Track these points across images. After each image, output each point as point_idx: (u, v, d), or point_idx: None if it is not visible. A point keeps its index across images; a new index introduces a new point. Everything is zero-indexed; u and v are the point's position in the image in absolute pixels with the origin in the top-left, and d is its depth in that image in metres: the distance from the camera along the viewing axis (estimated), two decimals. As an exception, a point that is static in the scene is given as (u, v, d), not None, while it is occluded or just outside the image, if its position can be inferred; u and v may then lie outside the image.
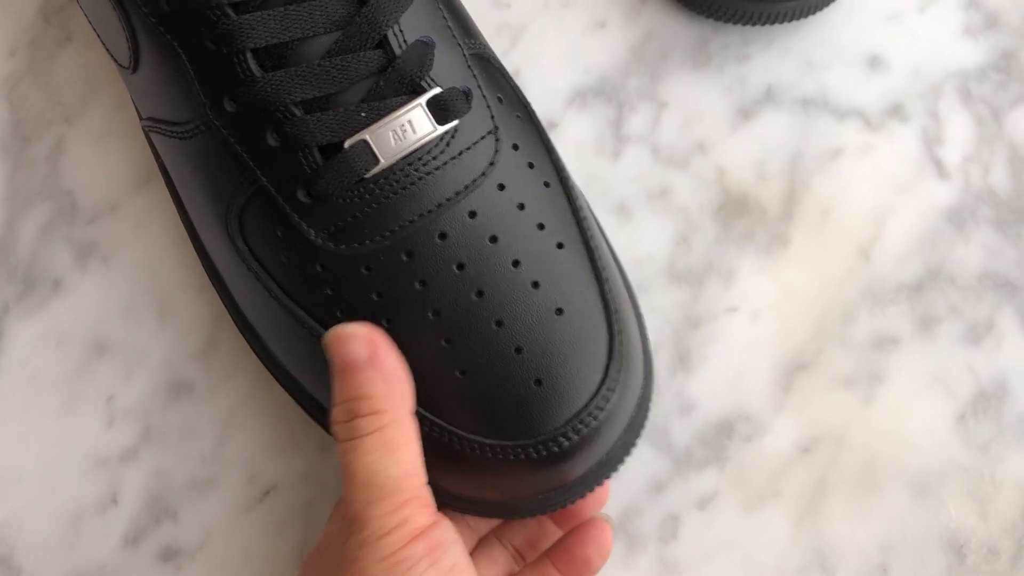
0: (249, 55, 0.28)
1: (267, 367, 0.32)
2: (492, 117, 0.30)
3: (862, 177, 0.36)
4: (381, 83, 0.28)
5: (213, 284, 0.33)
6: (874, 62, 0.38)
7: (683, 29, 0.38)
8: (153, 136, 0.32)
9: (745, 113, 0.37)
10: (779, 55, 0.38)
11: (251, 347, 0.32)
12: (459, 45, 0.30)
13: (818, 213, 0.36)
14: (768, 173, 0.36)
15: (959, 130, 0.37)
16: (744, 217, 0.36)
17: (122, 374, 0.35)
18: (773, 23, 0.37)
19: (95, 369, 0.35)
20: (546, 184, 0.30)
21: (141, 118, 0.32)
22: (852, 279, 0.35)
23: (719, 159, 0.37)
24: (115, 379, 0.35)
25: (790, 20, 0.37)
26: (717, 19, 0.37)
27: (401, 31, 0.28)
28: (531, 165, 0.30)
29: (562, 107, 0.37)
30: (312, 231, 0.28)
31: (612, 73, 0.38)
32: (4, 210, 0.36)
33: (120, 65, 0.31)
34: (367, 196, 0.28)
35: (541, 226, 0.29)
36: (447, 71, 0.29)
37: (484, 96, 0.30)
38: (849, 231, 0.36)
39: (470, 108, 0.29)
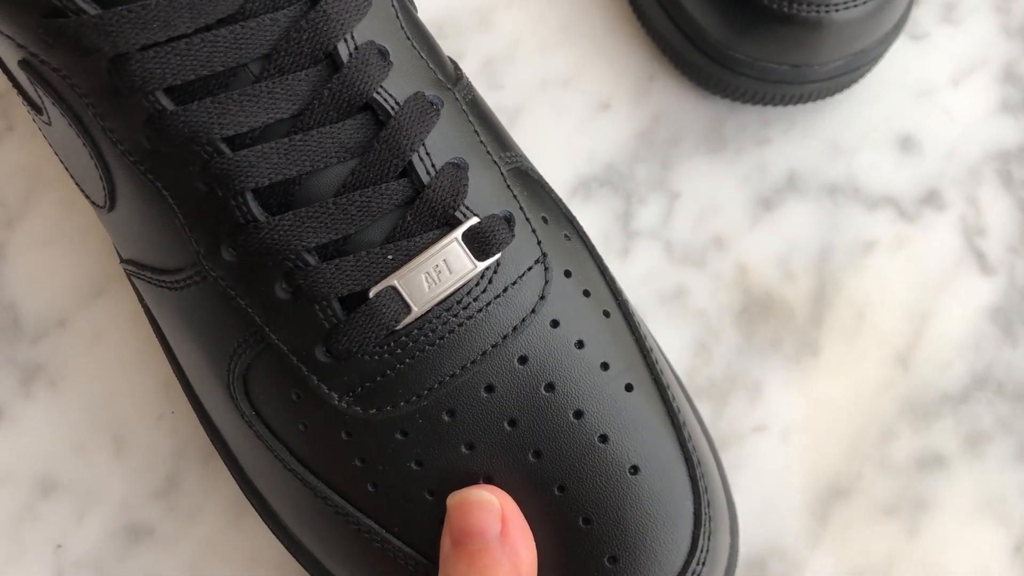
0: (250, 196, 0.23)
1: (282, 542, 0.27)
2: (539, 243, 0.25)
3: (897, 274, 0.33)
4: (408, 218, 0.24)
5: (212, 440, 0.28)
6: (906, 143, 0.34)
7: (695, 110, 0.34)
8: (135, 281, 0.27)
9: (766, 203, 0.33)
10: (802, 137, 0.34)
11: (261, 517, 0.28)
12: (495, 162, 0.26)
13: (851, 316, 0.32)
14: (794, 271, 0.33)
15: (1001, 218, 0.34)
16: (769, 321, 0.32)
17: (72, 517, 0.30)
18: (795, 103, 0.33)
19: (42, 511, 0.31)
20: (605, 314, 0.26)
21: (120, 259, 0.28)
22: (890, 390, 0.32)
23: (739, 256, 0.33)
24: (65, 523, 0.30)
25: (813, 100, 0.33)
26: (733, 99, 0.34)
27: (428, 154, 0.24)
28: (587, 293, 0.26)
29: (564, 199, 0.33)
30: (335, 395, 0.24)
31: (619, 160, 0.34)
32: (-63, 329, 0.32)
33: (93, 203, 0.27)
34: (399, 351, 0.24)
35: (605, 366, 0.25)
36: (484, 195, 0.25)
37: (528, 219, 0.26)
38: (885, 336, 0.32)
39: (513, 236, 0.25)
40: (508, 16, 0.35)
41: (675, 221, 0.33)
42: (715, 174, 0.34)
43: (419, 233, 0.24)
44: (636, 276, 0.33)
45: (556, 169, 0.34)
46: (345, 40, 0.23)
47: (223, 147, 0.23)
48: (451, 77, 0.27)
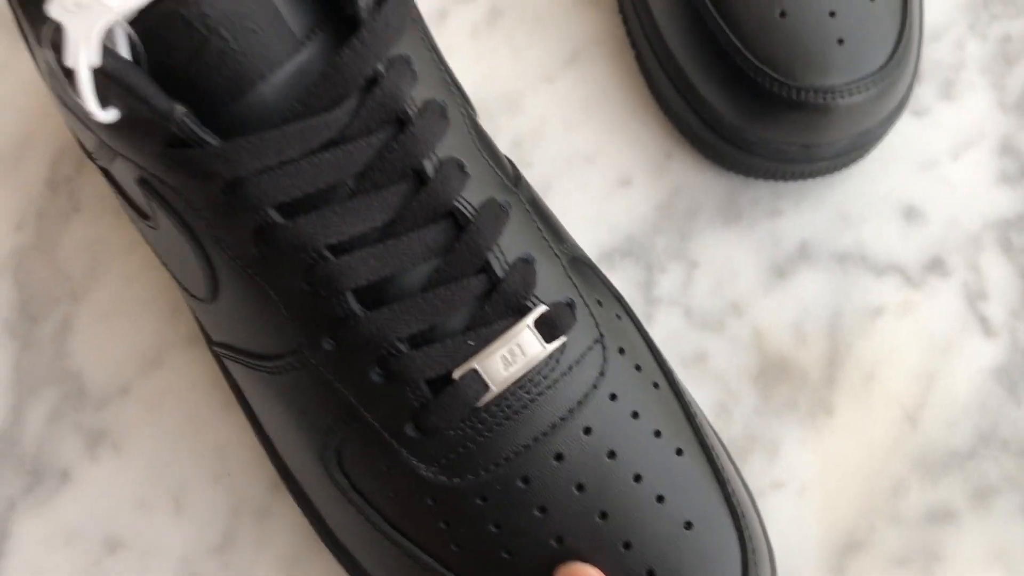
0: (349, 294, 0.26)
1: None
2: (596, 324, 0.28)
3: (905, 337, 0.35)
4: (487, 308, 0.27)
5: (297, 502, 0.31)
6: (910, 214, 0.36)
7: (711, 184, 0.37)
8: (229, 363, 0.30)
9: (780, 271, 0.36)
10: (812, 209, 0.36)
11: (348, 573, 0.31)
12: (556, 255, 0.29)
13: (861, 377, 0.34)
14: (807, 335, 0.35)
15: (1002, 283, 0.36)
16: (785, 383, 0.34)
17: (136, 572, 0.33)
18: (805, 179, 0.36)
19: (108, 567, 0.33)
20: (655, 385, 0.29)
21: (212, 341, 0.31)
22: (900, 448, 0.34)
23: (755, 321, 0.35)
24: (128, 578, 0.33)
25: (822, 175, 0.36)
26: (747, 176, 0.36)
27: (502, 252, 0.27)
28: (638, 368, 0.29)
29: (590, 269, 0.36)
30: (422, 465, 0.27)
31: (640, 232, 0.36)
32: (10, 396, 0.34)
33: (192, 295, 0.30)
34: (479, 425, 0.26)
35: (657, 433, 0.28)
36: (549, 285, 0.28)
37: (586, 303, 0.29)
38: (895, 396, 0.34)
39: (576, 320, 0.28)
40: (535, 100, 0.38)
41: (694, 289, 0.36)
42: (731, 244, 0.36)
43: (496, 321, 0.27)
44: (658, 341, 0.35)
45: (581, 240, 0.36)
46: (430, 157, 0.26)
47: (326, 253, 0.26)
48: (512, 179, 0.30)
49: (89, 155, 0.30)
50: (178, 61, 0.24)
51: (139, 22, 0.24)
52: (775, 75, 0.32)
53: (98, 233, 0.36)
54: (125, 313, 0.35)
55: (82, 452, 0.34)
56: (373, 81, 0.25)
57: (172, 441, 0.34)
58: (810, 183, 0.36)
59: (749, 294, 0.35)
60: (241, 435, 0.34)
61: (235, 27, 0.24)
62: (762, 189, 0.37)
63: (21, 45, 0.38)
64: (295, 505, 0.32)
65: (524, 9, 0.39)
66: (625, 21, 0.38)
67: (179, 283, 0.30)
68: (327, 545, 0.31)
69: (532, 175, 0.37)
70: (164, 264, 0.31)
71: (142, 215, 0.28)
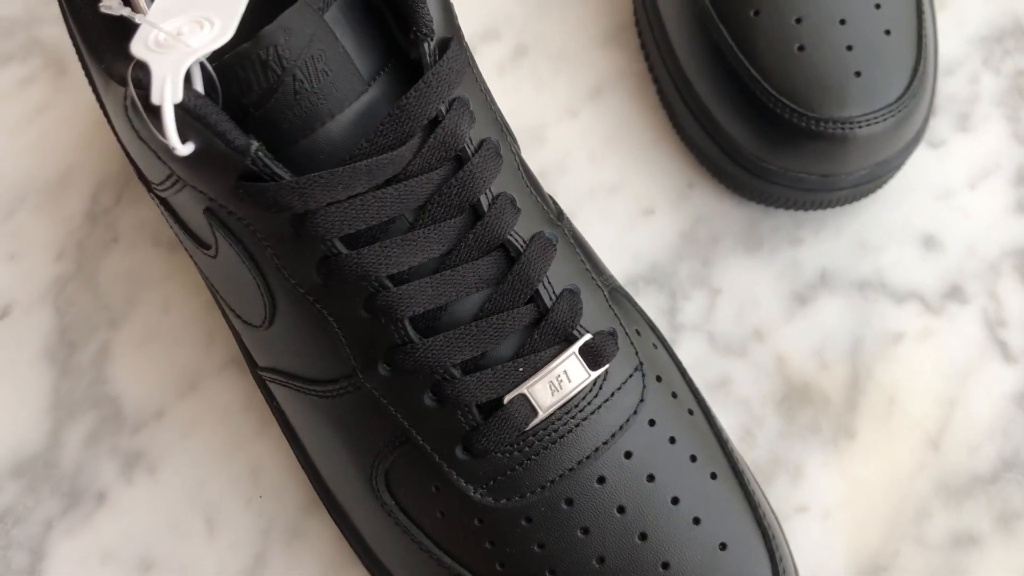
0: (407, 322, 0.27)
1: None
2: (636, 353, 0.30)
3: (926, 362, 0.35)
4: (535, 336, 0.28)
5: (336, 523, 0.32)
6: (929, 242, 0.37)
7: (733, 213, 0.38)
8: (275, 387, 0.31)
9: (801, 298, 0.36)
10: (832, 238, 0.37)
11: None
12: (598, 286, 0.30)
13: (883, 402, 0.35)
14: (829, 360, 0.36)
15: (1020, 311, 0.36)
16: (808, 408, 0.35)
17: (169, 593, 0.33)
18: (825, 208, 0.37)
19: (141, 588, 0.33)
20: (690, 412, 0.30)
21: (257, 366, 0.32)
22: (923, 472, 0.34)
23: (778, 347, 0.36)
24: (162, 599, 0.33)
25: (842, 204, 0.37)
26: (767, 205, 0.37)
27: (550, 283, 0.28)
28: (674, 395, 0.30)
29: (614, 296, 0.36)
30: (471, 487, 0.28)
31: (663, 260, 0.37)
32: (50, 420, 0.35)
33: (244, 322, 0.31)
34: (527, 449, 0.28)
35: (693, 458, 0.29)
36: (593, 315, 0.29)
37: (627, 333, 0.30)
38: (917, 420, 0.35)
39: (618, 348, 0.29)
40: (558, 132, 0.39)
41: (717, 315, 0.36)
42: (753, 271, 0.37)
43: (544, 348, 0.28)
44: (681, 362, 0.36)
45: (607, 267, 0.37)
46: (485, 193, 0.28)
47: (387, 283, 0.27)
48: (556, 213, 0.31)
49: (149, 187, 0.31)
50: (253, 98, 0.25)
51: (216, 59, 0.25)
52: (794, 106, 0.33)
53: (136, 263, 0.37)
54: (161, 340, 0.36)
55: (118, 475, 0.35)
56: (435, 121, 0.27)
57: (205, 464, 0.35)
58: (830, 212, 0.37)
59: (771, 320, 0.36)
60: (273, 458, 0.34)
61: (309, 69, 0.25)
62: (782, 217, 0.37)
63: (64, 85, 0.40)
64: (326, 527, 0.33)
65: (548, 46, 0.40)
66: (647, 57, 0.39)
67: (230, 310, 0.31)
68: (367, 566, 0.31)
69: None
70: (215, 291, 0.32)
71: (202, 244, 0.29)
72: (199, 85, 0.25)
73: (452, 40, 0.27)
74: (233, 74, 0.25)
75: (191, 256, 0.32)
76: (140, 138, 0.26)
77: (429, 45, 0.27)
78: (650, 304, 0.36)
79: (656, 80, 0.39)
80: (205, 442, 0.35)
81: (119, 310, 0.37)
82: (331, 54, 0.26)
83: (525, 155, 0.38)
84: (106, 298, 0.37)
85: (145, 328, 0.36)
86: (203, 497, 0.34)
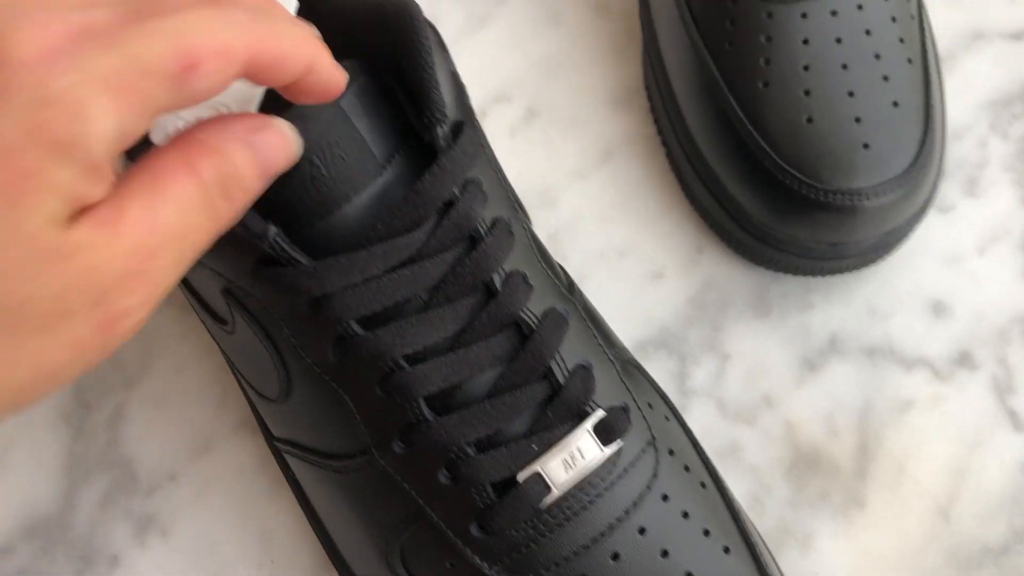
0: (422, 401, 0.27)
1: None
2: (648, 427, 0.30)
3: (935, 430, 0.36)
4: (548, 413, 0.28)
5: None
6: (938, 308, 0.37)
7: (742, 279, 0.38)
8: (290, 458, 0.32)
9: (810, 364, 0.37)
10: (841, 303, 0.37)
11: None
12: (610, 360, 0.30)
13: (893, 470, 0.35)
14: (838, 427, 0.36)
15: (1031, 377, 0.36)
16: (817, 475, 0.35)
17: (180, 659, 0.33)
18: (834, 275, 0.37)
19: (152, 653, 0.34)
20: (702, 485, 0.30)
21: (273, 437, 0.32)
22: (933, 543, 0.34)
23: (787, 413, 0.36)
24: (172, 664, 0.33)
25: (851, 271, 0.37)
26: (776, 271, 0.37)
27: (562, 359, 0.28)
28: (687, 468, 0.30)
29: (624, 361, 0.37)
30: (486, 564, 0.28)
31: (673, 324, 0.37)
32: (64, 482, 0.36)
33: (259, 394, 0.31)
34: (541, 526, 0.28)
35: (707, 532, 0.29)
36: (605, 390, 0.29)
37: (639, 407, 0.30)
38: (927, 489, 0.35)
39: (631, 424, 0.29)
40: (570, 195, 0.39)
41: (727, 381, 0.36)
42: (762, 337, 0.37)
43: (557, 425, 0.28)
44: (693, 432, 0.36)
45: (616, 332, 0.37)
46: (498, 271, 0.28)
47: (402, 362, 0.27)
48: (567, 285, 0.31)
49: None
50: (270, 183, 0.26)
51: None
52: (802, 177, 0.34)
53: (152, 323, 0.38)
54: (176, 401, 0.37)
55: (131, 538, 0.35)
56: (449, 204, 0.27)
57: (218, 527, 0.35)
58: (839, 278, 0.37)
59: (781, 387, 0.36)
60: (285, 523, 0.35)
61: (326, 155, 0.26)
62: (792, 283, 0.38)
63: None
64: (336, 593, 0.33)
65: (559, 110, 0.41)
66: (656, 121, 0.40)
67: (245, 381, 0.31)
68: None
69: (567, 269, 0.38)
70: (232, 364, 0.32)
71: (218, 319, 0.30)
72: None
73: (465, 123, 0.28)
74: None
75: (206, 328, 0.32)
76: None
77: (443, 129, 0.27)
78: (660, 369, 0.37)
79: (665, 144, 0.39)
80: (218, 505, 0.35)
81: (134, 371, 0.37)
82: (347, 139, 0.26)
83: (535, 218, 0.39)
84: (122, 358, 0.37)
85: (160, 389, 0.37)
86: (215, 560, 0.34)
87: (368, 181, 0.26)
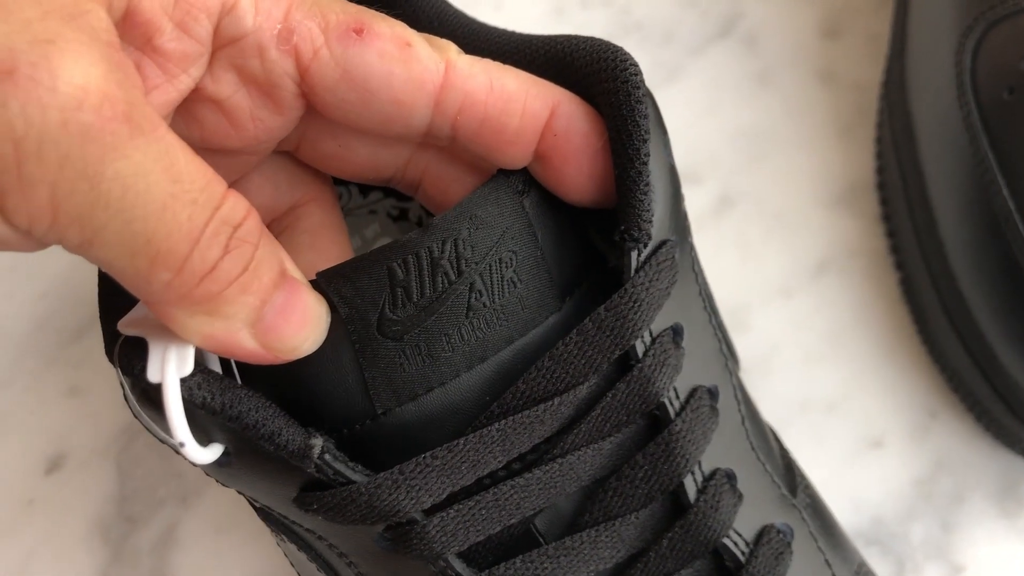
0: None
1: None
2: None
3: None
4: None
5: None
6: None
7: (987, 461, 0.29)
8: None
9: (1074, 595, 0.27)
10: (1123, 516, 0.28)
11: None
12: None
13: None
14: None
15: None
16: None
17: None
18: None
19: None
20: None
21: None
22: None
23: (1037, 660, 0.27)
24: None
25: None
26: (1039, 461, 0.28)
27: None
28: None
29: (820, 554, 0.28)
30: None
31: (889, 515, 0.28)
32: (91, 620, 0.28)
33: None
34: None
35: None
36: None
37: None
38: None
39: None
40: (766, 318, 0.30)
41: (957, 603, 0.28)
42: (1009, 544, 0.28)
43: None
44: (904, 667, 0.27)
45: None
46: (692, 471, 0.20)
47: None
48: (789, 484, 0.23)
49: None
50: (401, 315, 0.18)
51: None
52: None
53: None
54: (236, 531, 0.29)
55: None
56: (626, 364, 0.19)
57: None
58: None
59: (1031, 620, 0.27)
60: None
61: (493, 276, 0.18)
62: (1054, 476, 0.28)
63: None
64: None
65: (762, 202, 0.32)
66: (892, 235, 0.31)
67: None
68: None
69: (755, 417, 0.29)
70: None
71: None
72: (215, 363, 0.17)
73: (674, 244, 0.19)
74: (381, 275, 0.17)
75: None
76: (153, 435, 0.19)
77: (638, 254, 0.18)
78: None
79: (901, 266, 0.30)
80: None
81: (193, 483, 0.30)
82: (524, 257, 0.18)
83: (719, 344, 0.30)
84: (179, 465, 0.30)
85: (221, 511, 0.29)
86: None
87: (540, 320, 0.18)
